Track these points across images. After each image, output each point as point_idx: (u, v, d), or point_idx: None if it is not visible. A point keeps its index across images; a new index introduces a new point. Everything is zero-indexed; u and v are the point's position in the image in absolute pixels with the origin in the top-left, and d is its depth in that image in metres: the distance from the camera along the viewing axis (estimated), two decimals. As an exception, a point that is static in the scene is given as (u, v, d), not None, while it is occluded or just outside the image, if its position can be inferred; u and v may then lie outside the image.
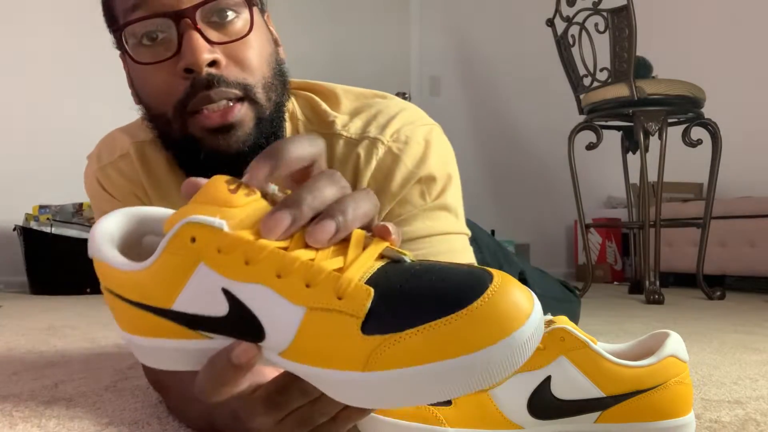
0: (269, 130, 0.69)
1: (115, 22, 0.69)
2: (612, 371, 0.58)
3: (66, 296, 2.48)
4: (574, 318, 1.27)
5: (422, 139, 0.76)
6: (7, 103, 2.90)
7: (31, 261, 2.62)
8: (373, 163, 0.73)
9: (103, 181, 0.80)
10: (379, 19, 3.92)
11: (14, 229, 2.65)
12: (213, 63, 0.64)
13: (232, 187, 0.37)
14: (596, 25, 2.57)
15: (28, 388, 0.85)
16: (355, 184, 0.74)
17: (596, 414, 0.59)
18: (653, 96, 2.47)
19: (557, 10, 2.76)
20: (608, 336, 1.47)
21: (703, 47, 3.62)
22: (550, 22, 2.79)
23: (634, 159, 2.78)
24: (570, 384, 0.58)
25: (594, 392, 0.58)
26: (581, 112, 2.78)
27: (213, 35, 0.65)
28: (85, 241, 2.95)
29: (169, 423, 0.69)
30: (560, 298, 1.29)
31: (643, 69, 2.60)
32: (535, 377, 0.58)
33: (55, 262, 2.59)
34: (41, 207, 2.73)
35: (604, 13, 2.54)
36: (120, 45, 0.68)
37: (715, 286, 2.70)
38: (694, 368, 1.06)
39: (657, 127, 2.48)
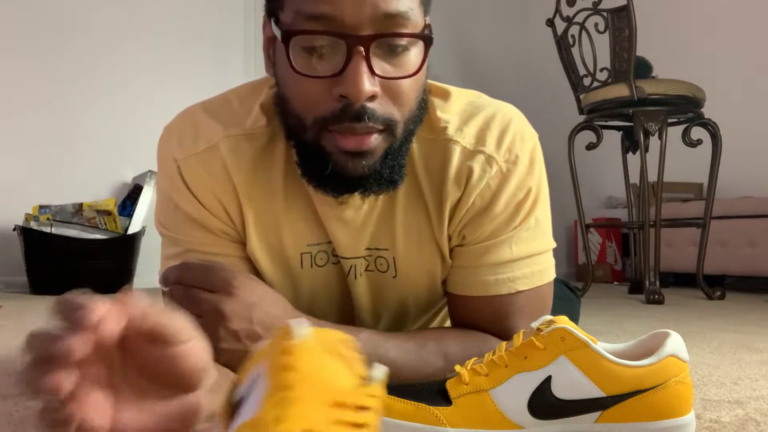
0: (395, 158, 0.69)
1: (277, 5, 0.66)
2: (612, 371, 0.58)
3: (66, 296, 2.48)
4: (575, 317, 1.27)
5: (528, 158, 0.77)
6: (7, 103, 2.90)
7: (31, 261, 2.62)
8: (484, 182, 0.74)
9: (185, 173, 0.75)
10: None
11: (14, 229, 2.65)
12: (370, 96, 0.63)
13: None
14: (596, 25, 2.57)
15: (28, 388, 0.85)
16: (461, 198, 0.75)
17: (596, 414, 0.59)
18: (653, 96, 2.47)
19: (557, 10, 2.76)
20: (608, 336, 1.47)
21: (703, 47, 3.62)
22: (550, 22, 2.79)
23: (634, 159, 2.78)
24: (570, 384, 0.58)
25: (594, 392, 0.58)
26: (581, 112, 2.78)
27: (380, 66, 0.64)
28: (85, 241, 2.93)
29: (169, 423, 0.69)
30: (561, 296, 1.29)
31: (643, 69, 2.60)
32: (535, 377, 0.58)
33: (55, 262, 2.59)
34: (41, 207, 2.73)
35: (604, 13, 2.54)
36: (282, 37, 0.65)
37: (715, 286, 2.70)
38: (694, 368, 1.06)
39: (657, 127, 2.48)
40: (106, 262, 2.67)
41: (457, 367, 0.62)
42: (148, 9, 3.19)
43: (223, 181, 0.75)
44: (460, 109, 0.77)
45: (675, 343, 0.61)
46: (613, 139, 2.90)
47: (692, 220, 2.74)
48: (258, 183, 0.75)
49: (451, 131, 0.75)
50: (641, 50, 2.54)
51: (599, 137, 2.63)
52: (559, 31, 2.77)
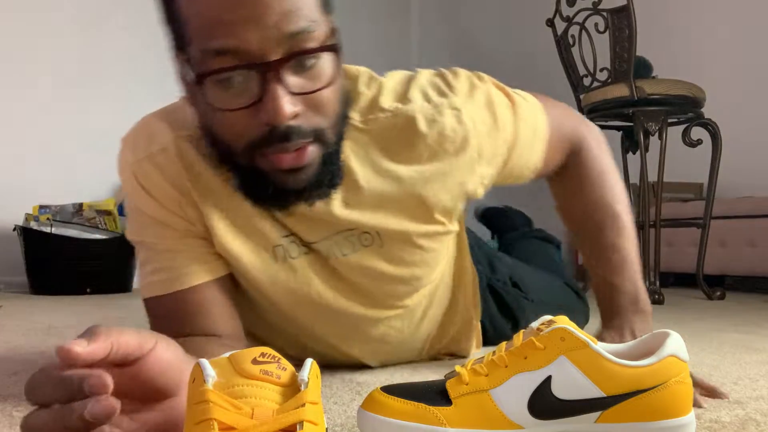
0: (332, 162, 0.72)
1: (184, 42, 0.66)
2: (612, 371, 0.58)
3: (66, 296, 2.48)
4: (581, 322, 1.28)
5: (462, 83, 0.82)
6: (7, 103, 2.90)
7: (31, 261, 2.62)
8: (449, 129, 0.80)
9: (139, 175, 0.77)
10: (379, 19, 3.92)
11: (14, 229, 2.65)
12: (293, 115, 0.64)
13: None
14: (596, 25, 2.57)
15: (28, 388, 0.85)
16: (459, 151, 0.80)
17: (596, 414, 0.59)
18: (653, 96, 2.47)
19: (557, 10, 2.75)
20: (608, 336, 1.47)
21: (703, 47, 3.62)
22: (550, 22, 2.79)
23: (634, 159, 2.78)
24: (570, 384, 0.58)
25: (594, 392, 0.58)
26: (581, 112, 2.78)
27: (296, 83, 0.64)
28: (85, 241, 2.95)
29: (169, 423, 0.69)
30: (564, 305, 1.29)
31: (643, 69, 2.60)
32: (535, 377, 0.58)
33: (55, 262, 2.59)
34: (41, 207, 2.73)
35: (604, 13, 2.54)
36: (194, 79, 0.65)
37: (715, 286, 2.70)
38: (694, 368, 1.05)
39: (657, 127, 2.48)
40: (106, 262, 2.67)
41: (457, 368, 0.62)
42: (150, 8, 3.19)
43: (177, 181, 0.76)
44: (394, 86, 0.81)
45: (675, 343, 0.61)
46: (613, 139, 2.90)
47: (692, 220, 2.74)
48: (214, 182, 0.76)
49: (415, 105, 0.78)
50: (641, 50, 2.54)
51: (599, 138, 2.63)
52: (559, 31, 2.77)
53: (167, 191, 0.76)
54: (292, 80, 0.64)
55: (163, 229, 0.78)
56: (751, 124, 3.37)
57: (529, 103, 0.90)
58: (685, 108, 2.55)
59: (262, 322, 0.90)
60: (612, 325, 0.88)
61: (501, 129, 0.84)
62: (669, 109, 2.50)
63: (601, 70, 2.61)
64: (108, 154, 3.46)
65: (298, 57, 0.63)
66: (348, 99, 0.75)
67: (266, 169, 0.68)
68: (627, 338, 0.84)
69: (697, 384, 0.83)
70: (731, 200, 3.08)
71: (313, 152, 0.68)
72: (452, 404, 0.58)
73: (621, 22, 2.48)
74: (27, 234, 2.60)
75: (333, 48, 0.66)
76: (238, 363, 0.44)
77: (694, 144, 2.59)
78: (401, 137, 0.78)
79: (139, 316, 1.83)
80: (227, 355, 0.47)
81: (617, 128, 2.85)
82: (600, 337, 0.83)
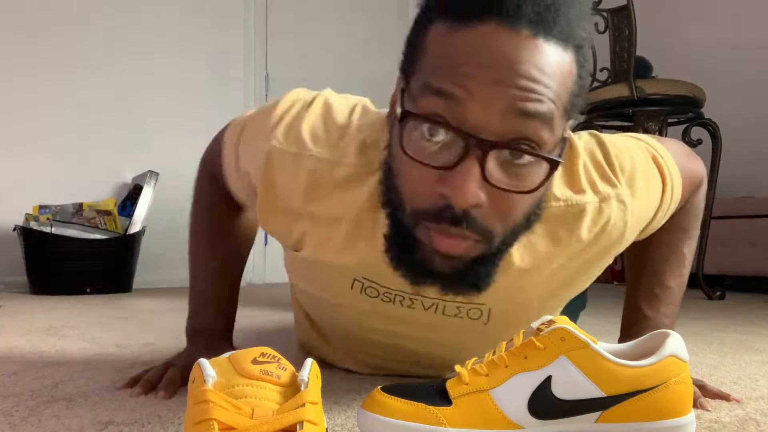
0: (485, 266, 0.65)
1: (411, 70, 0.61)
2: (612, 371, 0.58)
3: (66, 296, 2.48)
4: (575, 316, 1.27)
5: (633, 176, 0.77)
6: (7, 103, 2.90)
7: (31, 261, 2.62)
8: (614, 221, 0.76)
9: (276, 160, 0.73)
10: (379, 20, 3.92)
11: (14, 229, 2.65)
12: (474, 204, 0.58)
13: None
14: (596, 25, 2.57)
15: (28, 388, 0.85)
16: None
17: (596, 414, 0.59)
18: (653, 96, 2.47)
19: (557, 10, 2.75)
20: (608, 336, 1.47)
21: (703, 47, 3.62)
22: (550, 22, 2.79)
23: (634, 159, 2.77)
24: (570, 384, 0.58)
25: (594, 392, 0.58)
26: (581, 111, 2.78)
27: (495, 174, 0.57)
28: (85, 241, 2.93)
29: (169, 422, 0.69)
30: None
31: (643, 69, 2.60)
32: (535, 377, 0.58)
33: (55, 262, 2.59)
34: (41, 207, 2.73)
35: (604, 13, 2.54)
36: (401, 113, 0.60)
37: (715, 286, 2.70)
38: (694, 368, 1.06)
39: (657, 127, 2.48)
40: (106, 262, 2.67)
41: (457, 367, 0.62)
42: (148, 10, 3.19)
43: (297, 193, 0.73)
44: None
45: (675, 343, 0.61)
46: (613, 139, 2.89)
47: (692, 220, 2.74)
48: (324, 203, 0.73)
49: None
50: (641, 50, 2.54)
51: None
52: (559, 31, 2.77)
53: (286, 194, 0.74)
54: (493, 167, 0.57)
55: (251, 196, 0.80)
56: (751, 124, 3.36)
57: (674, 175, 0.84)
58: (685, 108, 2.55)
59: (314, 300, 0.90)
60: None
61: (653, 219, 0.84)
62: (669, 109, 2.50)
63: (601, 70, 2.61)
64: (108, 154, 3.46)
65: (515, 150, 0.57)
66: (538, 211, 0.67)
67: (421, 237, 0.62)
68: None
69: (707, 391, 0.83)
70: (731, 200, 3.08)
71: (473, 248, 0.62)
72: (452, 404, 0.58)
73: (621, 22, 2.48)
74: (27, 234, 2.60)
75: (554, 163, 0.58)
76: (238, 363, 0.44)
77: (694, 144, 2.59)
78: (566, 226, 0.73)
79: (139, 316, 1.83)
80: (227, 355, 0.47)
81: (617, 128, 2.84)
82: None
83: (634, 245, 0.93)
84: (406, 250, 0.65)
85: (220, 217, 0.96)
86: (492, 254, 0.65)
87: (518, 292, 0.76)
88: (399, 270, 0.67)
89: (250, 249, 1.01)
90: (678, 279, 0.90)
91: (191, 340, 0.94)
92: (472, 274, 0.65)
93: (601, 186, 0.74)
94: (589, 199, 0.73)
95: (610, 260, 0.80)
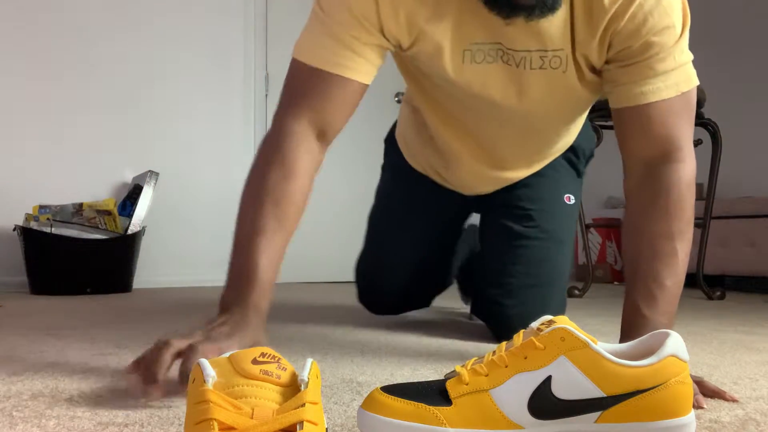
0: None
1: None
2: (612, 371, 0.58)
3: (66, 296, 2.48)
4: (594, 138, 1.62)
5: None
6: (7, 103, 2.90)
7: (31, 261, 2.62)
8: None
9: None
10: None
11: (14, 229, 2.65)
12: None
13: None
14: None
15: (28, 388, 0.85)
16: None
17: (596, 414, 0.59)
18: (653, 96, 2.46)
19: (557, 10, 2.75)
20: (608, 336, 1.47)
21: (703, 47, 3.62)
22: (550, 22, 2.79)
23: (634, 159, 2.77)
24: (570, 384, 0.58)
25: (594, 392, 0.58)
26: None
27: None
28: (85, 241, 2.93)
29: (169, 422, 0.69)
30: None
31: (643, 69, 2.59)
32: (535, 377, 0.58)
33: (55, 262, 2.59)
34: (41, 207, 2.73)
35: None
36: None
37: (715, 286, 2.70)
38: (694, 368, 1.06)
39: (657, 127, 2.47)
40: (106, 262, 2.67)
41: (457, 367, 0.62)
42: (149, 9, 3.19)
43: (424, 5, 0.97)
44: None
45: (675, 343, 0.61)
46: (613, 139, 2.89)
47: (692, 220, 2.74)
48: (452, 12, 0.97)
49: None
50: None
51: (599, 137, 2.63)
52: (559, 31, 2.77)
53: (393, 9, 0.96)
54: None
55: (358, 24, 0.96)
56: (751, 124, 3.36)
57: (688, 56, 0.97)
58: (685, 108, 2.54)
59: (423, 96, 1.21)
60: None
61: (657, 55, 0.94)
62: (669, 109, 2.50)
63: (601, 70, 2.61)
64: (108, 154, 3.47)
65: None
66: None
67: None
68: None
69: (704, 387, 0.83)
70: (731, 200, 3.09)
71: None
72: (452, 404, 0.58)
73: (621, 22, 2.48)
74: (27, 234, 2.60)
75: None
76: (238, 363, 0.44)
77: (694, 144, 2.59)
78: None
79: (139, 316, 1.83)
80: (227, 355, 0.47)
81: (617, 128, 2.84)
82: None
83: (630, 242, 0.95)
84: None
85: (275, 181, 0.96)
86: None
87: (587, 37, 0.97)
88: (493, 6, 0.92)
89: (296, 222, 0.98)
90: (674, 278, 0.91)
91: (221, 314, 0.88)
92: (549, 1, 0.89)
93: None
94: None
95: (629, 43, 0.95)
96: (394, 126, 1.57)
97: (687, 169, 0.97)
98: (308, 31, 1.02)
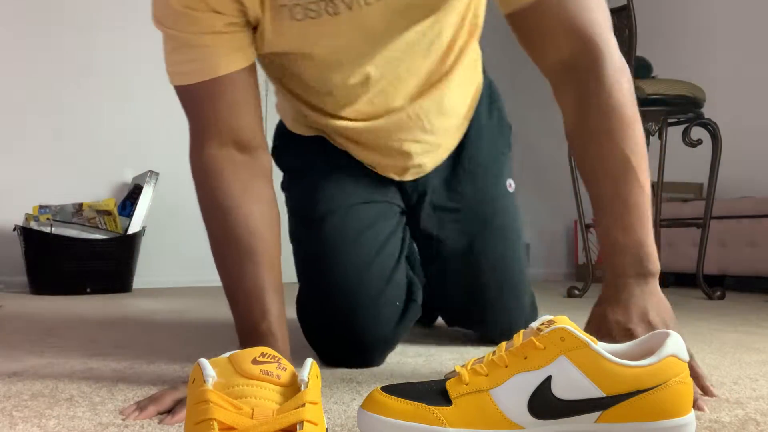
0: None
1: None
2: (612, 371, 0.58)
3: (66, 296, 2.48)
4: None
5: None
6: (7, 103, 2.90)
7: (31, 261, 2.62)
8: None
9: None
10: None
11: (14, 229, 2.65)
12: None
13: None
14: (596, 25, 2.57)
15: (28, 388, 0.85)
16: None
17: (596, 414, 0.59)
18: (653, 96, 2.47)
19: (557, 10, 2.75)
20: (608, 336, 1.47)
21: (703, 47, 3.62)
22: (550, 22, 2.79)
23: (634, 159, 2.77)
24: (570, 384, 0.58)
25: (594, 392, 0.58)
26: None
27: None
28: (85, 241, 2.93)
29: (169, 423, 0.69)
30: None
31: (643, 69, 2.60)
32: (535, 377, 0.58)
33: (55, 262, 2.59)
34: (41, 207, 2.73)
35: (604, 13, 2.54)
36: None
37: (715, 286, 2.70)
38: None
39: (657, 127, 2.48)
40: (106, 262, 2.67)
41: (457, 367, 0.62)
42: (149, 9, 3.19)
43: None
44: None
45: (675, 343, 0.61)
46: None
47: (692, 220, 2.74)
48: None
49: None
50: (641, 50, 2.54)
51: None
52: (559, 31, 2.77)
53: None
54: None
55: (214, 17, 0.87)
56: (751, 124, 3.36)
57: None
58: (685, 108, 2.55)
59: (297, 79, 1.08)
60: (619, 299, 0.83)
61: None
62: (669, 109, 2.50)
63: (601, 70, 2.61)
64: (108, 154, 3.46)
65: None
66: None
67: None
68: (633, 317, 0.79)
69: (695, 377, 0.80)
70: (731, 200, 3.09)
71: None
72: (452, 404, 0.58)
73: (621, 22, 2.48)
74: (27, 234, 2.60)
75: None
76: (238, 363, 0.44)
77: (694, 144, 2.59)
78: None
79: (139, 316, 1.83)
80: (227, 355, 0.47)
81: (617, 128, 2.84)
82: (603, 313, 0.80)
83: (579, 159, 0.87)
84: None
85: (225, 226, 0.92)
86: None
87: None
88: None
89: (273, 239, 0.91)
90: (638, 191, 0.82)
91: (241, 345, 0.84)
92: None
93: None
94: None
95: None
96: (280, 150, 1.30)
97: (611, 60, 0.83)
98: (167, 54, 0.93)
